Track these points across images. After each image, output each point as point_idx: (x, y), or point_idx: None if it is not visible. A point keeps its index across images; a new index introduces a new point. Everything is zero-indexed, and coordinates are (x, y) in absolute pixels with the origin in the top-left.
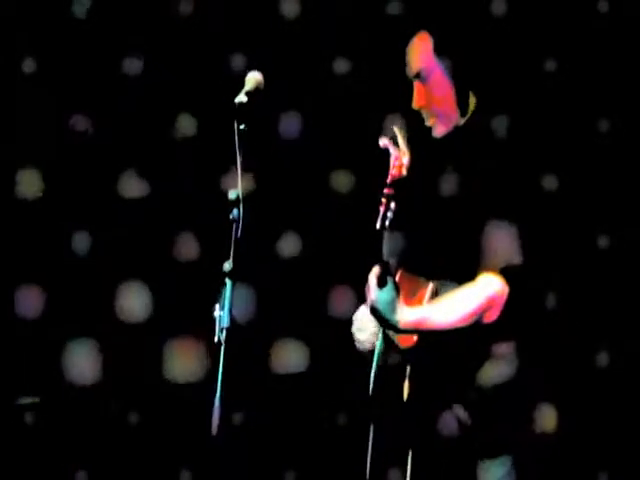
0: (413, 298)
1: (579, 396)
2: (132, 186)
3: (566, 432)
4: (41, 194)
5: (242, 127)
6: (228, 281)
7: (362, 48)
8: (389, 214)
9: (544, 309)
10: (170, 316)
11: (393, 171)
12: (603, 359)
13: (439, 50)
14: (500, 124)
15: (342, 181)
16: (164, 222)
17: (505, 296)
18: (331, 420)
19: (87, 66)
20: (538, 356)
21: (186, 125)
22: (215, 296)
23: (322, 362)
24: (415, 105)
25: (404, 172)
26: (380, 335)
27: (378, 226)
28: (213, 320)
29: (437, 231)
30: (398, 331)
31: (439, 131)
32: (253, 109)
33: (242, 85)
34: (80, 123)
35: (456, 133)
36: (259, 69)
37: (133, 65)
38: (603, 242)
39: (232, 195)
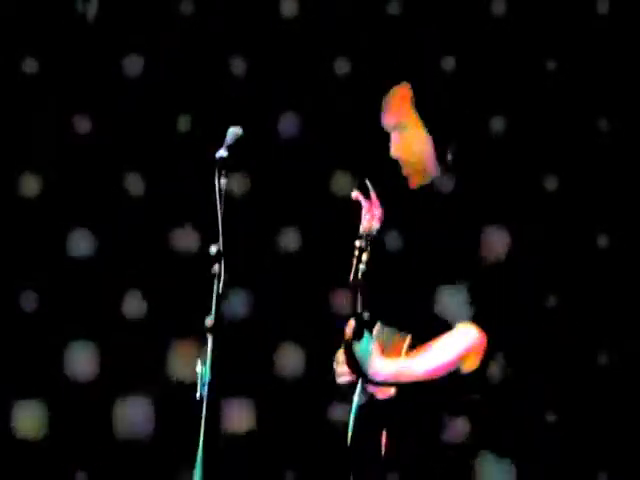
0: (390, 351)
1: (579, 396)
2: (134, 186)
3: (566, 432)
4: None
5: (223, 181)
6: (210, 337)
7: (362, 48)
8: (361, 266)
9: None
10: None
11: (364, 223)
12: (603, 359)
13: (419, 103)
14: (499, 125)
15: (342, 183)
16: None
17: (483, 345)
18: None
19: (87, 66)
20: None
21: (184, 125)
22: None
23: None
24: (392, 155)
25: (376, 225)
26: (359, 387)
27: (351, 279)
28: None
29: (413, 284)
30: (375, 384)
31: (414, 183)
32: (234, 163)
33: (242, 86)
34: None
35: (431, 186)
36: (259, 69)
37: (134, 65)
38: (603, 242)
39: (213, 249)
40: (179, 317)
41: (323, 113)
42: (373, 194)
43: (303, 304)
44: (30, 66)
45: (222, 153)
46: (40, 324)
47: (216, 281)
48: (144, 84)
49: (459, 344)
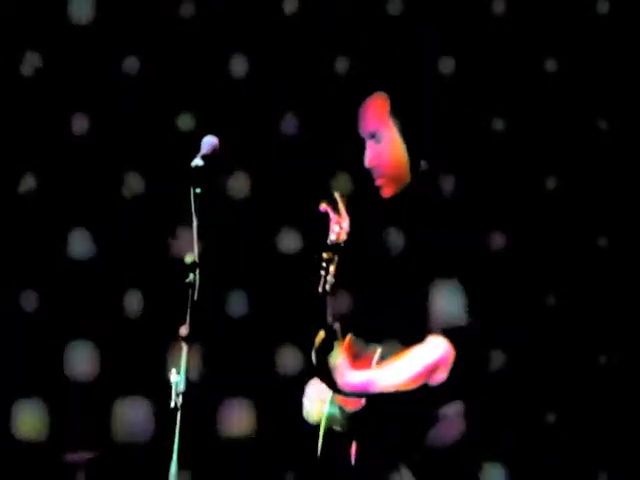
0: (360, 362)
1: (579, 396)
2: (133, 186)
3: (566, 432)
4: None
5: (197, 191)
6: (184, 345)
7: (362, 48)
8: (329, 278)
9: (489, 369)
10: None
11: (332, 236)
12: (603, 359)
13: (395, 112)
14: (499, 123)
15: (342, 183)
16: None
17: (452, 358)
18: None
19: (87, 66)
20: (486, 416)
21: (184, 125)
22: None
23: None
24: (367, 165)
25: (343, 237)
26: (329, 399)
27: (319, 290)
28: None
29: (383, 294)
30: (345, 394)
31: (387, 192)
32: (208, 173)
33: (241, 87)
34: None
35: (403, 194)
36: (258, 69)
37: (133, 65)
38: (603, 242)
39: (188, 259)
40: (179, 317)
41: (323, 113)
42: (341, 206)
43: (303, 304)
44: (30, 66)
45: (197, 162)
46: (40, 324)
47: (190, 290)
48: (144, 84)
49: (428, 356)
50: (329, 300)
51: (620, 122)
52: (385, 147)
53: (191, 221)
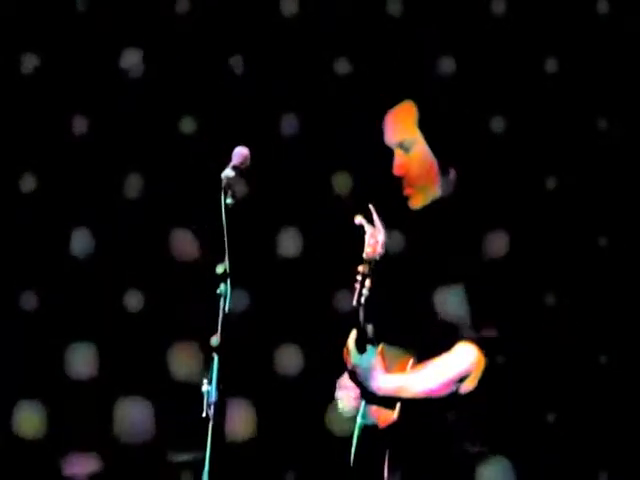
0: (394, 369)
1: (579, 396)
2: (134, 186)
3: (566, 432)
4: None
5: (229, 201)
6: (216, 356)
7: (362, 48)
8: (364, 291)
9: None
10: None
11: (368, 249)
12: (603, 359)
13: (424, 123)
14: (499, 123)
15: (342, 182)
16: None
17: (481, 366)
18: None
19: (86, 66)
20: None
21: (185, 126)
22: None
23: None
24: (395, 173)
25: (380, 250)
26: (362, 408)
27: (354, 303)
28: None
29: (417, 305)
30: (376, 399)
31: (415, 202)
32: (240, 183)
33: (242, 86)
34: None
35: (433, 207)
36: (259, 69)
37: (132, 65)
38: (603, 242)
39: (219, 269)
40: (179, 317)
41: (323, 113)
42: (377, 219)
43: (303, 304)
44: (29, 66)
45: (228, 173)
46: (40, 324)
47: (222, 300)
48: (144, 84)
49: (459, 364)
50: (364, 311)
51: (620, 122)
52: (413, 157)
53: (222, 231)
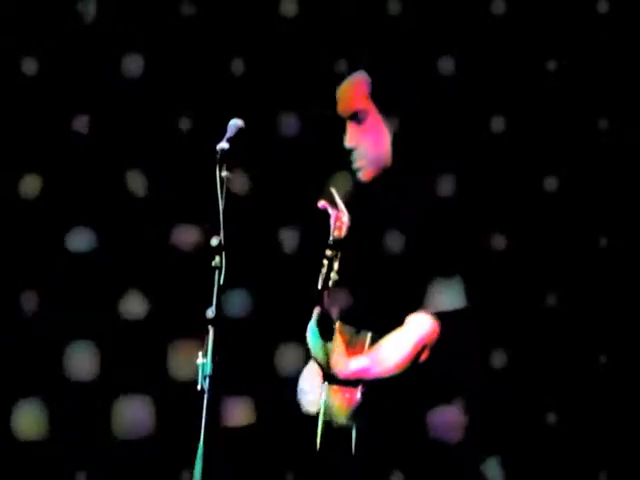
0: (352, 348)
1: (579, 396)
2: (134, 185)
3: (566, 432)
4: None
5: (224, 174)
6: (211, 328)
7: (362, 48)
8: (332, 274)
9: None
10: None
11: (335, 232)
12: (603, 359)
13: (376, 92)
14: (499, 123)
15: (341, 182)
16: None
17: (437, 334)
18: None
19: (87, 66)
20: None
21: (185, 124)
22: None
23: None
24: (347, 144)
25: (345, 232)
26: (325, 392)
27: (320, 286)
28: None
29: (378, 285)
30: (340, 382)
31: (367, 174)
32: (235, 156)
33: (241, 86)
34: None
35: (385, 179)
36: (259, 69)
37: (133, 65)
38: (603, 242)
39: (214, 242)
40: (179, 316)
41: (322, 111)
42: (339, 200)
43: (303, 303)
44: (30, 66)
45: (223, 145)
46: (40, 324)
47: (217, 273)
48: (144, 84)
49: (416, 336)
50: (325, 294)
51: (620, 122)
52: (367, 128)
53: (217, 204)
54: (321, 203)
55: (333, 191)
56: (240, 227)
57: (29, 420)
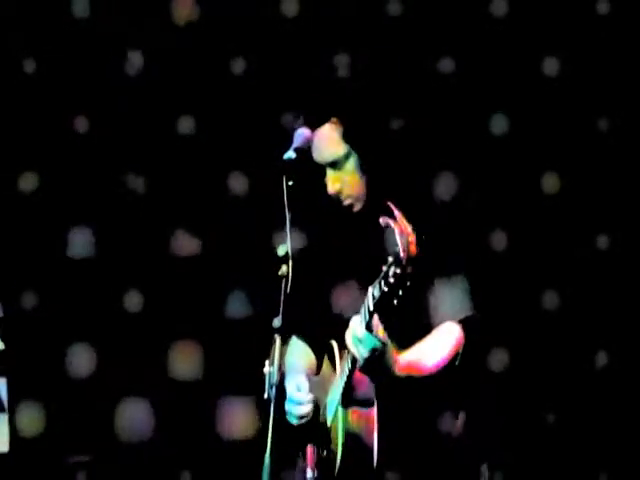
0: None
1: (579, 397)
2: (134, 186)
3: (566, 433)
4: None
5: (290, 183)
6: (277, 337)
7: (362, 48)
8: (400, 292)
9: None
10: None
11: (399, 247)
12: (602, 359)
13: (347, 135)
14: (499, 124)
15: None
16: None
17: (462, 343)
18: None
19: (87, 66)
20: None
21: (187, 127)
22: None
23: None
24: (331, 191)
25: (413, 249)
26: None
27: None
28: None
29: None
30: (357, 403)
31: (357, 208)
32: (301, 165)
33: (244, 89)
34: None
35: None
36: (258, 69)
37: (134, 66)
38: (603, 242)
39: (281, 251)
40: (180, 318)
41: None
42: (397, 213)
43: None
44: (29, 66)
45: (290, 154)
46: (41, 324)
47: (284, 282)
48: (144, 84)
49: (451, 340)
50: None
51: (620, 122)
52: (345, 173)
53: (284, 213)
54: (382, 220)
55: (390, 205)
56: (239, 227)
57: (29, 420)
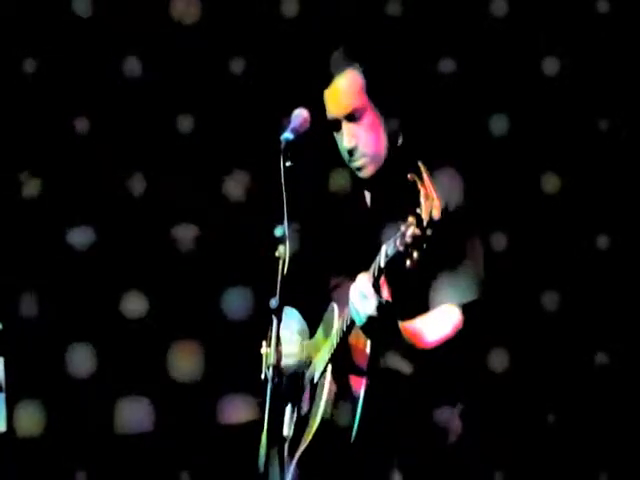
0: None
1: (579, 397)
2: (135, 186)
3: (566, 433)
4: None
5: (288, 164)
6: (274, 318)
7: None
8: (415, 255)
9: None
10: None
11: (424, 210)
12: (602, 359)
13: (373, 89)
14: (499, 123)
15: (340, 181)
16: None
17: (459, 327)
18: None
19: (87, 66)
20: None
21: (187, 126)
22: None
23: None
24: (346, 145)
25: (436, 214)
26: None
27: (408, 266)
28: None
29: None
30: (348, 371)
31: (369, 171)
32: (299, 146)
33: (241, 86)
34: None
35: (384, 171)
36: (259, 69)
37: (133, 66)
38: (603, 242)
39: (278, 232)
40: (180, 318)
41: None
42: (426, 176)
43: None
44: (30, 66)
45: (288, 136)
46: (41, 325)
47: (281, 263)
48: (144, 84)
49: (451, 321)
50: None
51: (620, 122)
52: (364, 126)
53: (281, 195)
54: (410, 175)
55: (420, 165)
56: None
57: (29, 420)
